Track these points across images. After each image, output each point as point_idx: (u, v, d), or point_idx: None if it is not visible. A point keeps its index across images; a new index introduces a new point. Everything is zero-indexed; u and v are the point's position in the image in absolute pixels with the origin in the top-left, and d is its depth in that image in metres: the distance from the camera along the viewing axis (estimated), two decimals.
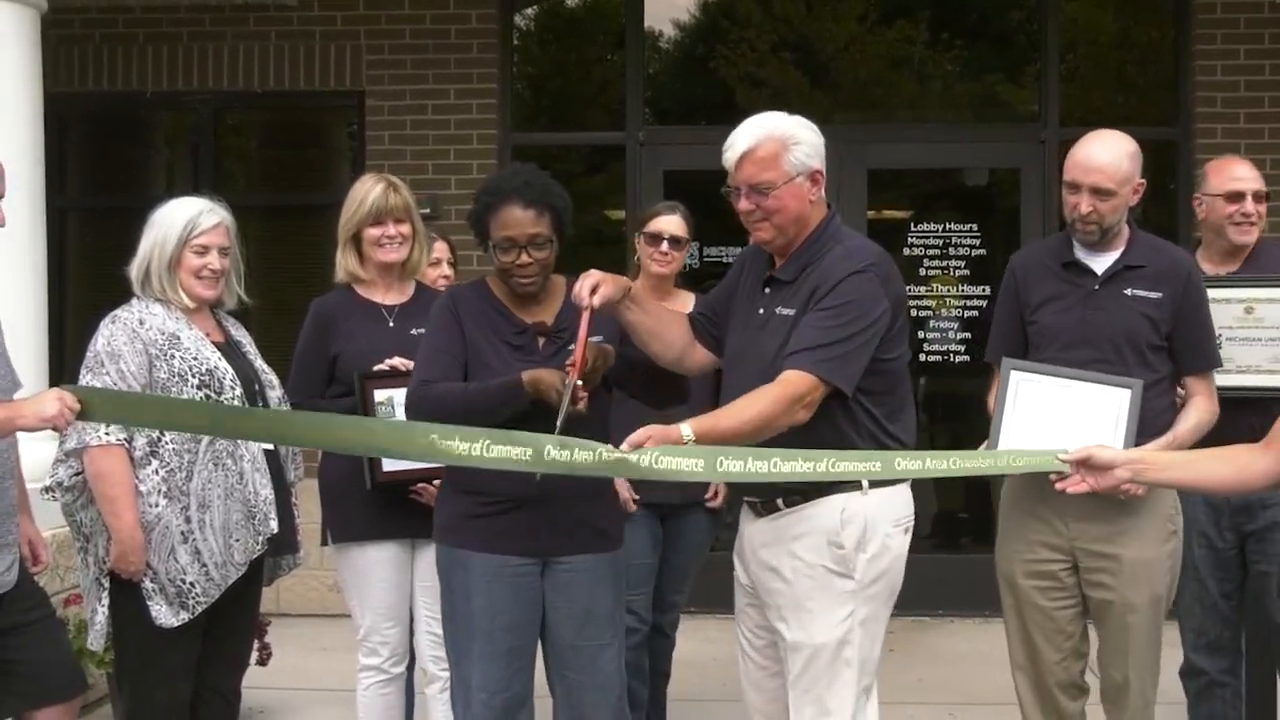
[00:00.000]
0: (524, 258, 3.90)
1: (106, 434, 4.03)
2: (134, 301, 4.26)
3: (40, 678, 3.88)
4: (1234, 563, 4.72)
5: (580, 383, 3.64)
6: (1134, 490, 3.95)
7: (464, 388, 3.89)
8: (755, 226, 3.77)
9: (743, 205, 3.74)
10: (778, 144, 3.70)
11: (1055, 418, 3.99)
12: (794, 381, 3.58)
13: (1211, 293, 4.49)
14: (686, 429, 3.50)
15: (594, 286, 3.69)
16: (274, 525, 4.25)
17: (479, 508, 3.92)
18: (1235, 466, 3.31)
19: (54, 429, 3.78)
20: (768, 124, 3.74)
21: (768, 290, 3.84)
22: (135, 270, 4.28)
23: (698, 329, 4.05)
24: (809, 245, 3.78)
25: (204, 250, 4.23)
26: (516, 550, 3.92)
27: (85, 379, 4.10)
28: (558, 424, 3.59)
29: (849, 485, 3.72)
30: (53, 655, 3.97)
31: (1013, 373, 4.08)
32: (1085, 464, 3.31)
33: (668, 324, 4.02)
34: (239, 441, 4.19)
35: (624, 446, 3.47)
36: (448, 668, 4.49)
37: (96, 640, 4.22)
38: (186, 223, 4.22)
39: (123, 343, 4.12)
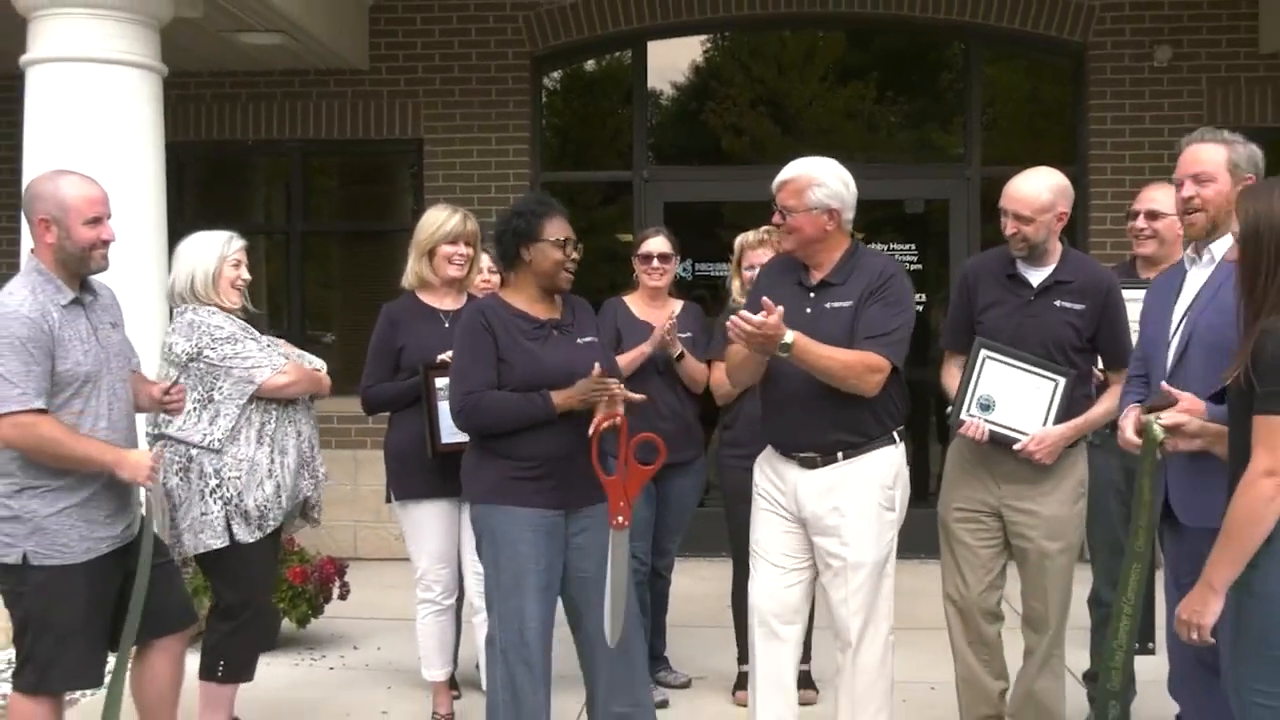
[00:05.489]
0: (573, 253, 3.98)
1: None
2: (198, 307, 4.39)
3: (160, 612, 3.87)
4: None
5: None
6: (1046, 460, 4.02)
7: (503, 398, 3.84)
8: (781, 237, 4.08)
9: (775, 219, 4.00)
10: (806, 182, 3.91)
11: (1006, 392, 4.04)
12: (876, 358, 3.81)
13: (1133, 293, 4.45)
14: (790, 335, 3.67)
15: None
16: (322, 471, 4.50)
17: (517, 470, 3.85)
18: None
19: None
20: (807, 165, 3.95)
21: (813, 294, 3.96)
22: (177, 285, 4.42)
23: None
24: (848, 259, 3.98)
25: (240, 264, 4.46)
26: (550, 504, 3.87)
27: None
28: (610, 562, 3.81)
29: (887, 440, 3.96)
30: (170, 594, 3.95)
31: (983, 350, 4.08)
32: (1177, 430, 3.12)
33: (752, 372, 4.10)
34: (299, 407, 4.44)
35: (747, 325, 3.61)
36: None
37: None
38: (224, 245, 4.43)
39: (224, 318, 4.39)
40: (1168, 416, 3.07)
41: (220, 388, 4.27)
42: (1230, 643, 2.85)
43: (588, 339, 4.01)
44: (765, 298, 3.70)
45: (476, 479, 3.97)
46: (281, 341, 4.55)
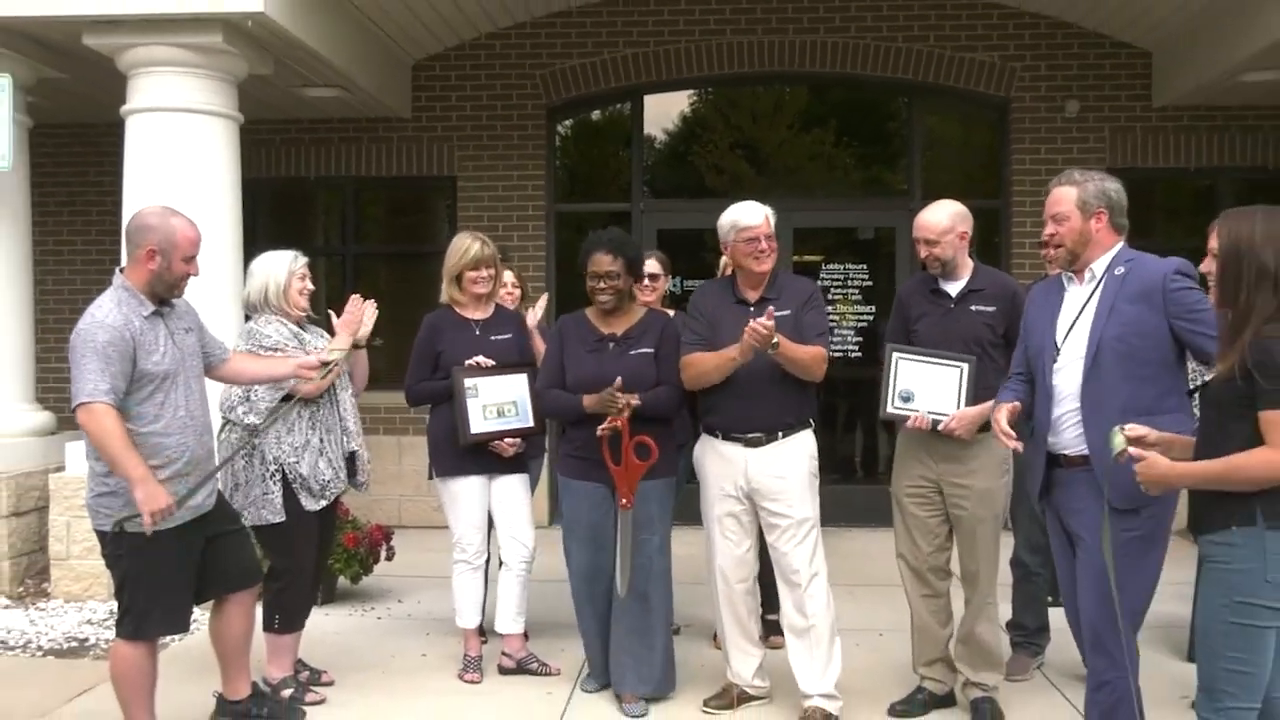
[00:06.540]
0: (601, 284, 4.22)
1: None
2: (257, 317, 4.38)
3: (234, 572, 3.88)
4: None
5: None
6: (964, 436, 4.00)
7: (555, 395, 4.25)
8: (765, 259, 4.11)
9: (763, 245, 4.09)
10: (769, 213, 4.15)
11: (921, 383, 4.04)
12: (824, 351, 4.08)
13: None
14: (777, 337, 3.86)
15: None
16: (353, 445, 4.42)
17: (573, 450, 4.25)
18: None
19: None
20: (764, 207, 4.14)
21: (752, 309, 4.08)
22: (252, 296, 4.38)
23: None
24: (774, 279, 4.18)
25: (304, 276, 4.45)
26: (595, 479, 4.20)
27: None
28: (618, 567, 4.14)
29: (808, 423, 4.18)
30: (242, 556, 3.95)
31: (894, 353, 4.10)
32: (1139, 441, 2.84)
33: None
34: (336, 391, 4.38)
35: (763, 330, 3.80)
36: (523, 561, 4.67)
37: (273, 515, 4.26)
38: (291, 261, 4.42)
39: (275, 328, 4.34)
40: (1132, 429, 2.84)
41: (257, 388, 4.23)
42: (1201, 611, 2.74)
43: (642, 351, 4.22)
44: (770, 307, 3.99)
45: (558, 455, 4.41)
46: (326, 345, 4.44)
